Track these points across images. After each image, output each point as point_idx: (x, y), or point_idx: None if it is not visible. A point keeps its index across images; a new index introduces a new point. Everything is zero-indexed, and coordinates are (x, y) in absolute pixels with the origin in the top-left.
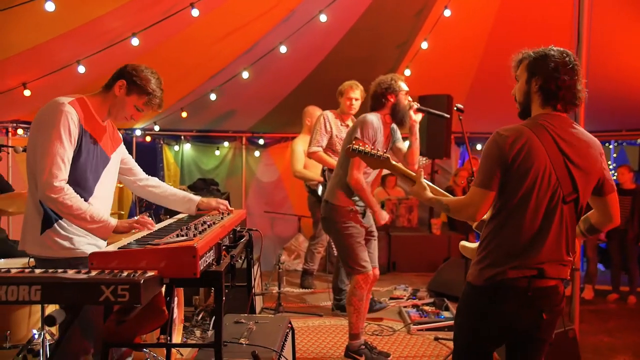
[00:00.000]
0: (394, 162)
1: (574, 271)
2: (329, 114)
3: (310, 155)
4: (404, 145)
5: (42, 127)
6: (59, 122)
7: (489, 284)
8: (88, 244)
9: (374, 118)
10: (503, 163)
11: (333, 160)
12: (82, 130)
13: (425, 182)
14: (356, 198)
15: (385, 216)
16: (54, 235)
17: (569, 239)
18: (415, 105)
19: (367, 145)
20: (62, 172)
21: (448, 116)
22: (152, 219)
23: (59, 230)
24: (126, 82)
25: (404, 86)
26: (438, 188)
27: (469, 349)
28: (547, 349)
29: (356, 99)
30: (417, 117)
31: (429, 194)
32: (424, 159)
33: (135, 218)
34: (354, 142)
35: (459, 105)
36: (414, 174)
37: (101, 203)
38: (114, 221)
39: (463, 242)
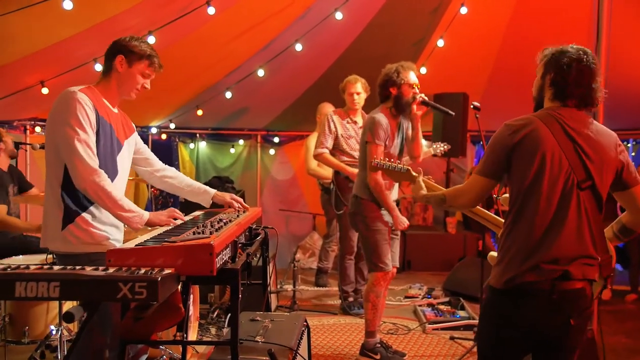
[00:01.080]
0: (414, 174)
1: (606, 275)
2: (333, 114)
3: (316, 156)
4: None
5: (59, 118)
6: (75, 110)
7: (509, 286)
8: (109, 239)
9: (381, 118)
10: (506, 152)
11: (338, 162)
12: (97, 115)
13: (422, 181)
14: (386, 192)
15: (404, 221)
16: (76, 230)
17: (593, 233)
18: (419, 97)
19: (387, 160)
20: (93, 158)
21: (452, 113)
22: None
23: (80, 225)
24: (124, 56)
25: (410, 77)
26: (438, 186)
27: (492, 356)
28: (576, 357)
29: (357, 93)
30: (420, 109)
31: (424, 191)
32: (444, 144)
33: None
34: (375, 157)
35: (476, 103)
36: (437, 186)
37: (116, 186)
38: (146, 214)
39: (492, 254)
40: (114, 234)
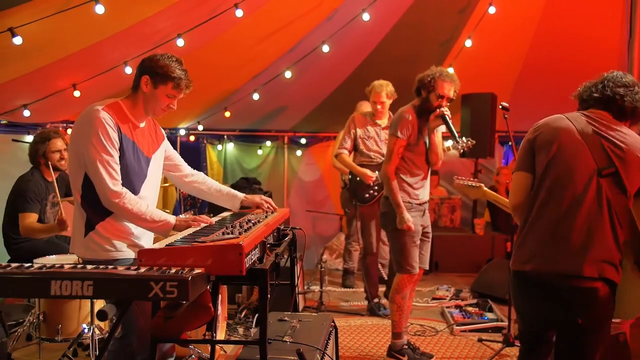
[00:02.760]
0: (485, 189)
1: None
2: (357, 115)
3: (335, 156)
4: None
5: (82, 136)
6: (97, 130)
7: (520, 270)
8: (129, 246)
9: (407, 114)
10: (530, 145)
11: (351, 162)
12: (120, 132)
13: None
14: (417, 192)
15: (407, 220)
16: (96, 237)
17: (616, 223)
18: (440, 111)
19: (465, 179)
20: (116, 178)
21: (458, 140)
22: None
23: (100, 233)
24: (149, 77)
25: (444, 88)
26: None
27: (519, 321)
28: (598, 348)
29: (382, 102)
30: (435, 122)
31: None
32: (468, 139)
33: (191, 216)
34: (455, 177)
35: (504, 104)
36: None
37: (146, 201)
38: (172, 219)
39: None
40: (135, 241)
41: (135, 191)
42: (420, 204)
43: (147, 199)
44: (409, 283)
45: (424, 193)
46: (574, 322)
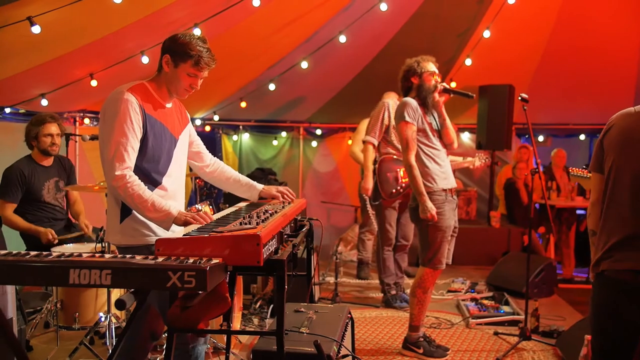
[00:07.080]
0: None
1: None
2: (390, 102)
3: (363, 141)
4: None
5: (106, 118)
6: (119, 112)
7: (597, 272)
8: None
9: (410, 100)
10: (601, 144)
11: (369, 162)
12: (145, 115)
13: None
14: (445, 176)
15: (430, 208)
16: (133, 223)
17: None
18: (440, 86)
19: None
20: (125, 161)
21: (472, 95)
22: (212, 207)
23: (138, 218)
24: (170, 56)
25: (430, 67)
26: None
27: (598, 343)
28: None
29: None
30: (441, 98)
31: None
32: (485, 157)
33: (196, 207)
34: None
35: (524, 95)
36: None
37: (174, 181)
38: (175, 211)
39: None
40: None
41: (162, 171)
42: (452, 194)
43: (175, 177)
44: (433, 278)
45: (451, 177)
46: None
